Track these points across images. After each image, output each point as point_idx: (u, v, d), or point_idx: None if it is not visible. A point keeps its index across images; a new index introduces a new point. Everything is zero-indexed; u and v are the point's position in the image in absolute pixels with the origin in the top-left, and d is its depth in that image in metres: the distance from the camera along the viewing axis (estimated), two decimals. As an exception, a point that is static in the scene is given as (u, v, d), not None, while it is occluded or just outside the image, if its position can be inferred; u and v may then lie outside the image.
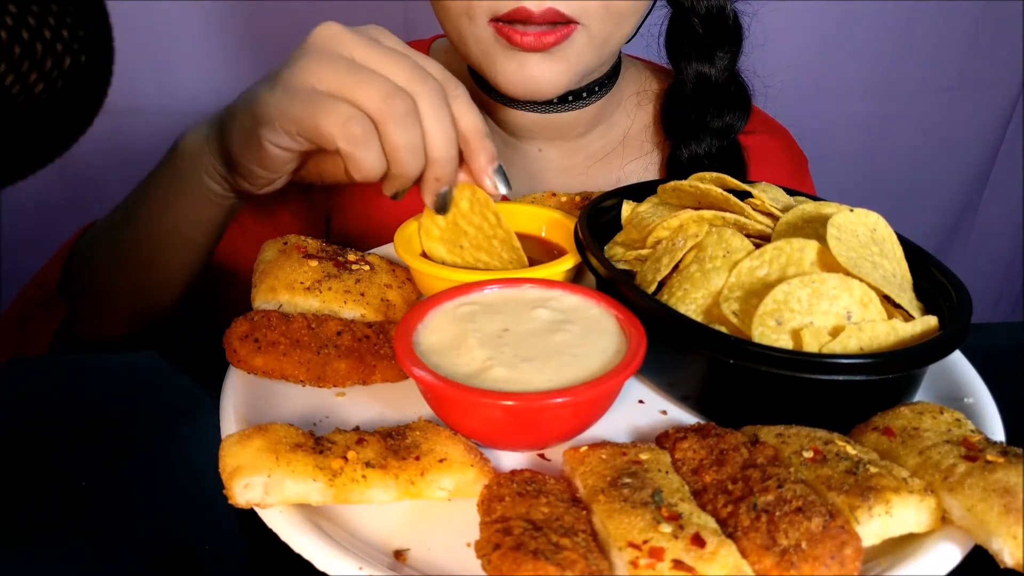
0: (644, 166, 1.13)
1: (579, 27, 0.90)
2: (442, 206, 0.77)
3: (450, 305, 0.71)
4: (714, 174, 0.78)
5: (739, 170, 1.07)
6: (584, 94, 1.05)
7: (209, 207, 0.88)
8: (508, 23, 0.89)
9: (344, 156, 0.70)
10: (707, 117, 1.06)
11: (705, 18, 1.04)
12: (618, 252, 0.80)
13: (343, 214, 1.10)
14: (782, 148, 1.19)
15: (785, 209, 0.75)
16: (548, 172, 1.11)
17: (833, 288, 0.65)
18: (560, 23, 0.89)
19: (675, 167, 1.08)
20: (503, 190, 0.77)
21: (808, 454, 0.58)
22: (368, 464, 0.57)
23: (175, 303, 0.96)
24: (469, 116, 0.75)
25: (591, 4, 0.90)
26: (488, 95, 1.05)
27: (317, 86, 0.71)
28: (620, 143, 1.13)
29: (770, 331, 0.65)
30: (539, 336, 0.67)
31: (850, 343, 0.63)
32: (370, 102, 0.69)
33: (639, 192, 0.84)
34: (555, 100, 1.04)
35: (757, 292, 0.67)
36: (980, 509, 0.53)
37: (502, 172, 0.77)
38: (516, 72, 0.92)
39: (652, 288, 0.72)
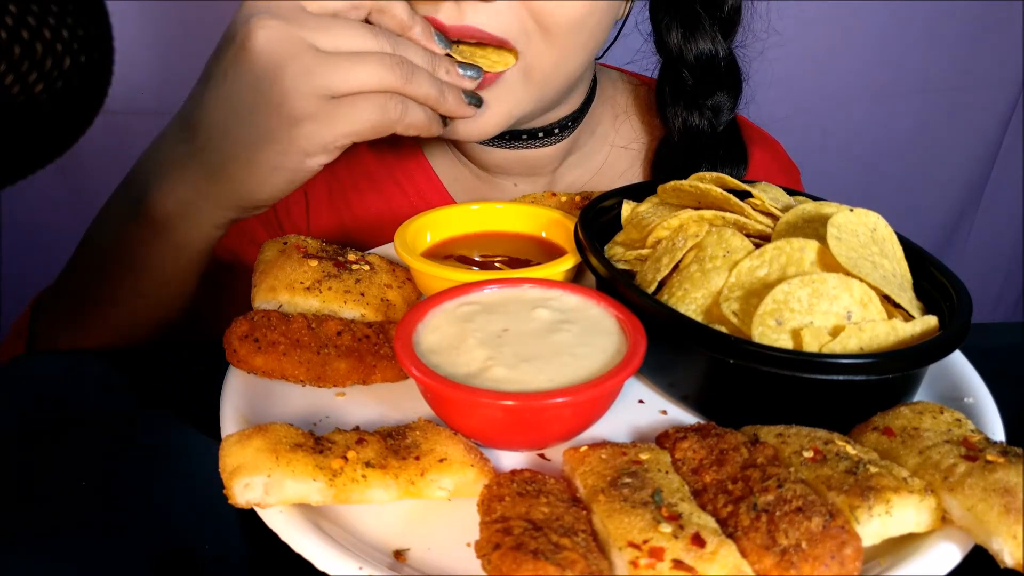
0: None
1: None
2: (475, 97, 0.81)
3: (450, 305, 0.71)
4: (714, 174, 0.78)
5: None
6: (556, 130, 1.00)
7: (205, 246, 0.87)
8: None
9: (403, 132, 0.76)
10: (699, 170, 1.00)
11: (695, 68, 0.98)
12: (618, 252, 0.80)
13: (340, 213, 1.10)
14: (772, 161, 1.14)
15: (785, 209, 0.75)
16: None
17: (833, 288, 0.65)
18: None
19: None
20: (445, 47, 0.80)
21: (808, 454, 0.58)
22: (368, 464, 0.57)
23: (176, 316, 0.93)
24: (392, 7, 0.77)
25: (525, 23, 0.82)
26: None
27: (332, 95, 0.72)
28: (599, 173, 1.08)
29: (770, 331, 0.65)
30: (539, 336, 0.67)
31: (850, 343, 0.63)
32: (383, 81, 0.73)
33: (639, 192, 0.84)
34: (524, 136, 0.98)
35: (757, 292, 0.67)
36: (980, 509, 0.53)
37: (438, 32, 0.80)
38: None
39: (652, 288, 0.72)
